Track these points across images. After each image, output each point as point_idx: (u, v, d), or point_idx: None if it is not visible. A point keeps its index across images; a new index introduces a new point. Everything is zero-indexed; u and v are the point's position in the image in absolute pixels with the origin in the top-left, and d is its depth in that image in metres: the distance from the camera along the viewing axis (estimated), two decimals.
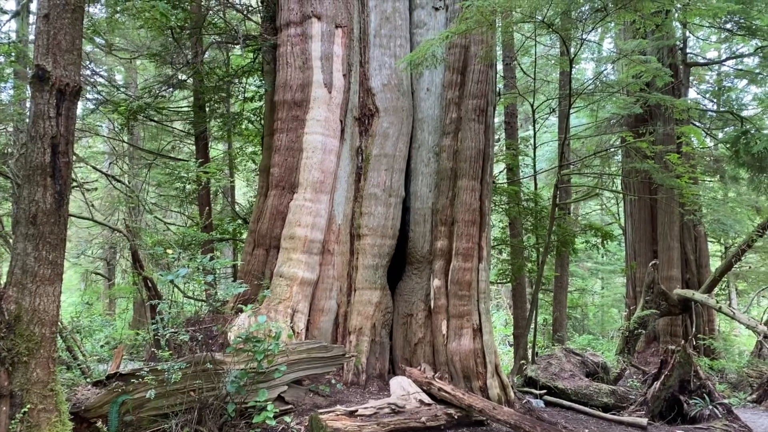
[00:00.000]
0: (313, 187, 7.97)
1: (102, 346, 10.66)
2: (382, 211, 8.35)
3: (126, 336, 11.73)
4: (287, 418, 6.05)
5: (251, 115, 12.52)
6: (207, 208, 12.20)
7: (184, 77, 12.28)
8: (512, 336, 15.20)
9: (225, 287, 6.57)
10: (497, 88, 9.89)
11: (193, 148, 13.99)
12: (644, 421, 8.15)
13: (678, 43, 15.72)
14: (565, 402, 9.21)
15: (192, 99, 13.26)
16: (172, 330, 5.69)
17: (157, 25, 9.68)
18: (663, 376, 8.72)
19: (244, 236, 11.13)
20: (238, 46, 10.98)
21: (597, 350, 15.21)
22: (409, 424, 6.70)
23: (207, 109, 12.49)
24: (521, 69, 15.20)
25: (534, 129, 13.15)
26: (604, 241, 12.74)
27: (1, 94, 11.11)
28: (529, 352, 11.34)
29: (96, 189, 14.94)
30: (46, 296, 4.01)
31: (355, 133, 8.59)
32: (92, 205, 11.92)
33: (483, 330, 8.02)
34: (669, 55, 15.09)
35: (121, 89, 14.40)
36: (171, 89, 12.77)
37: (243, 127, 12.85)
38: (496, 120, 14.66)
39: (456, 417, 7.03)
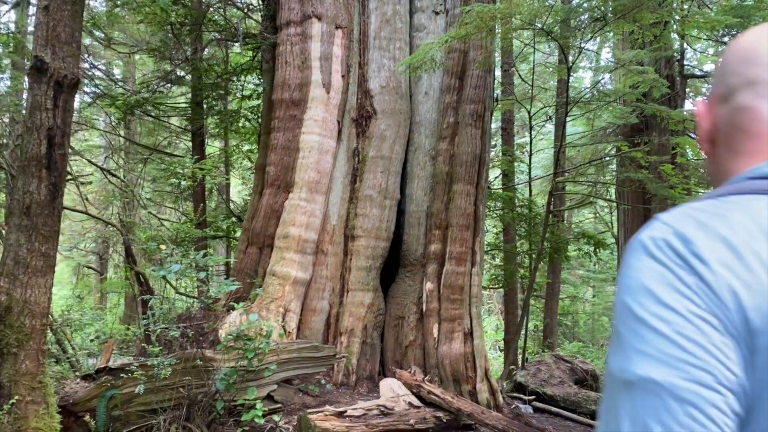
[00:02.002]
0: (308, 187, 7.97)
1: (92, 340, 10.63)
2: (377, 213, 8.36)
3: (116, 330, 11.69)
4: (276, 417, 6.05)
5: (248, 113, 12.51)
6: (201, 204, 12.18)
7: (182, 73, 12.26)
8: (503, 341, 15.22)
9: (217, 284, 6.56)
10: (495, 94, 9.92)
11: (190, 144, 13.96)
12: None
13: (676, 54, 15.79)
14: (553, 408, 9.23)
15: (190, 95, 13.23)
16: (163, 326, 5.69)
17: (157, 21, 9.67)
18: None
19: (238, 234, 11.11)
20: (237, 44, 10.98)
21: (587, 358, 15.24)
22: (397, 426, 6.71)
23: (204, 106, 12.47)
24: (519, 76, 15.24)
25: (530, 136, 13.21)
26: (597, 250, 12.78)
27: None
28: (519, 357, 11.37)
29: (91, 182, 14.88)
30: (37, 288, 3.99)
31: (352, 135, 8.60)
32: (86, 199, 11.88)
33: (474, 334, 8.04)
34: (666, 66, 15.15)
35: (119, 83, 14.37)
36: (169, 85, 12.75)
37: (240, 124, 12.84)
38: (493, 125, 14.70)
39: (445, 420, 7.05)
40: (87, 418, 5.07)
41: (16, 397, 3.86)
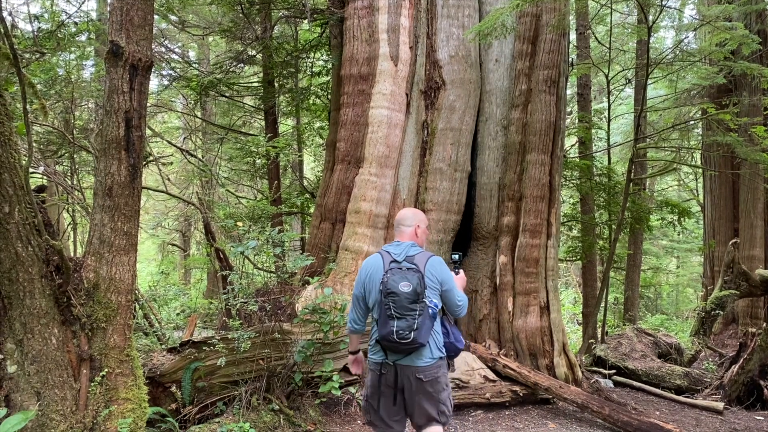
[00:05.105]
0: (378, 162, 7.96)
1: (177, 314, 11.07)
2: (448, 186, 8.26)
3: (200, 305, 12.15)
4: (352, 389, 6.15)
5: (318, 90, 12.57)
6: (276, 182, 12.41)
7: (253, 53, 12.44)
8: (581, 314, 14.88)
9: (293, 259, 6.67)
10: (570, 59, 9.52)
11: (263, 123, 14.21)
12: (720, 405, 7.82)
13: None
14: (635, 383, 8.96)
15: (261, 74, 13.43)
16: (243, 300, 5.84)
17: (227, 1, 9.81)
18: (742, 360, 8.33)
19: (312, 210, 11.26)
20: (305, 21, 11.00)
21: (670, 331, 14.70)
22: (473, 399, 6.68)
23: (276, 85, 12.62)
24: (596, 38, 14.59)
25: (608, 101, 12.67)
26: (681, 219, 12.18)
27: (84, 71, 11.56)
28: (599, 331, 11.07)
29: (171, 163, 15.42)
30: (121, 265, 4.16)
31: (421, 107, 8.49)
32: (168, 179, 12.32)
33: (550, 308, 7.86)
34: (757, 20, 14.13)
35: (194, 65, 14.74)
36: (241, 65, 12.97)
37: (310, 102, 12.93)
38: (569, 91, 14.17)
39: (521, 394, 6.96)
40: (173, 389, 5.31)
41: (106, 370, 4.06)
